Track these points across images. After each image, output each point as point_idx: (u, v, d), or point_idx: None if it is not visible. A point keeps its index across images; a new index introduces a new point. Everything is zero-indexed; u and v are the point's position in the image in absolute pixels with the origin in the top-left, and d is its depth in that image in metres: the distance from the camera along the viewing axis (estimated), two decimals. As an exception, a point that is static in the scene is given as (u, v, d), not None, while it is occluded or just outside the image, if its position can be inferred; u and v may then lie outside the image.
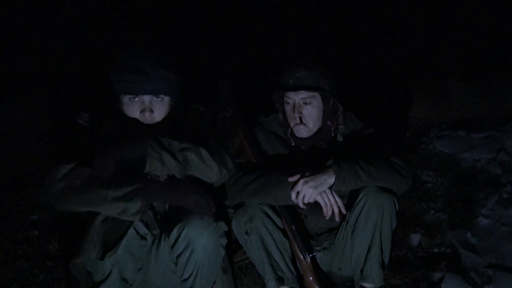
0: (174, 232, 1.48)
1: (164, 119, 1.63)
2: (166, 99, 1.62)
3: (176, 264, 1.52)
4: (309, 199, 1.60)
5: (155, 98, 1.59)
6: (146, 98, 1.59)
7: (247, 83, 3.24)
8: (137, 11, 4.08)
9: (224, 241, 1.53)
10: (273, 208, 1.69)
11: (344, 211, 1.64)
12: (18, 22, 3.73)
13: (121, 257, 1.45)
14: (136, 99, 1.58)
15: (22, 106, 3.03)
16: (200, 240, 1.45)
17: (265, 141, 1.86)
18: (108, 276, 1.44)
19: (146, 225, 1.53)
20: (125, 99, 1.59)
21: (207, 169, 1.59)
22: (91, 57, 3.27)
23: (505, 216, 2.27)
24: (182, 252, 1.47)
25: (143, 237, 1.54)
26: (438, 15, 4.51)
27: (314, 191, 1.59)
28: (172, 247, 1.49)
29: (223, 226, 1.52)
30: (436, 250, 2.08)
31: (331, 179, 1.60)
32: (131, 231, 1.49)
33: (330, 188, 1.62)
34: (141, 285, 1.58)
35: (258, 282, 1.85)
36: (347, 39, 4.22)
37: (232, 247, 1.94)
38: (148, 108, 1.59)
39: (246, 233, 1.66)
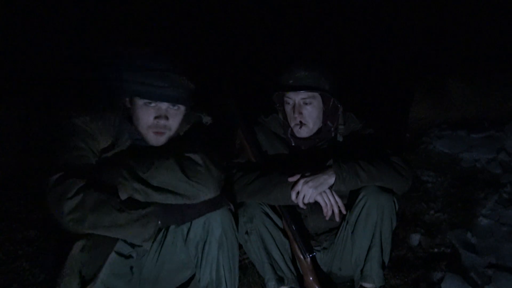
0: None
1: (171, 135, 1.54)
2: (182, 108, 1.54)
3: (195, 254, 1.52)
4: (309, 199, 1.60)
5: (171, 106, 1.51)
6: (164, 105, 1.50)
7: (247, 83, 3.24)
8: (137, 12, 4.08)
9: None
10: (273, 208, 1.68)
11: (344, 211, 1.63)
12: (18, 22, 3.73)
13: (107, 282, 1.37)
14: (153, 104, 1.49)
15: (22, 106, 3.02)
16: (217, 212, 1.47)
17: (265, 141, 1.86)
18: None
19: (131, 244, 1.46)
20: (140, 102, 1.49)
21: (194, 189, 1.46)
22: (91, 57, 3.26)
23: (505, 216, 2.27)
24: (201, 235, 1.48)
25: (127, 257, 1.46)
26: (438, 15, 4.51)
27: (314, 191, 1.59)
28: (186, 237, 1.51)
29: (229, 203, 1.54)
30: (436, 250, 2.08)
31: (331, 179, 1.60)
32: (111, 256, 1.40)
33: (330, 188, 1.61)
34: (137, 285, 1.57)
35: (258, 282, 1.84)
36: (347, 39, 4.23)
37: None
38: (164, 115, 1.50)
39: (246, 233, 1.65)
